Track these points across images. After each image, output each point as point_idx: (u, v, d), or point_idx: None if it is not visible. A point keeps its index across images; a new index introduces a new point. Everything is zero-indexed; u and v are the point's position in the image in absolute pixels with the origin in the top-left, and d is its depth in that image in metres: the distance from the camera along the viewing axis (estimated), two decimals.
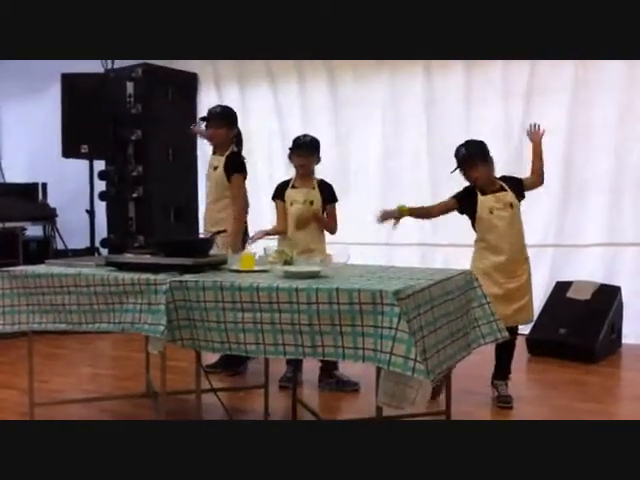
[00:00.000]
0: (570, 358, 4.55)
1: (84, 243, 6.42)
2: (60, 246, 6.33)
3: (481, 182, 3.64)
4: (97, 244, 6.50)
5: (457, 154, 3.68)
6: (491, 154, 3.66)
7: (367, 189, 6.02)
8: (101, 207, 6.59)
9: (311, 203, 3.96)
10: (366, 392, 3.82)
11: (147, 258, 2.99)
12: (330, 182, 4.09)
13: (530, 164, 3.77)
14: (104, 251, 6.47)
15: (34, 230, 6.33)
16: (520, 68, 5.45)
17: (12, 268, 3.18)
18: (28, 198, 6.25)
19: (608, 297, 4.84)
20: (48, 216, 6.26)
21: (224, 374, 4.19)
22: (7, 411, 3.57)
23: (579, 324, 4.69)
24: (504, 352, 3.67)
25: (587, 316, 4.73)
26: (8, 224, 5.81)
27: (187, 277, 2.65)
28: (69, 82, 6.22)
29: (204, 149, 6.30)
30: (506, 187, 3.63)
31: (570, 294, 4.92)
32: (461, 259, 3.87)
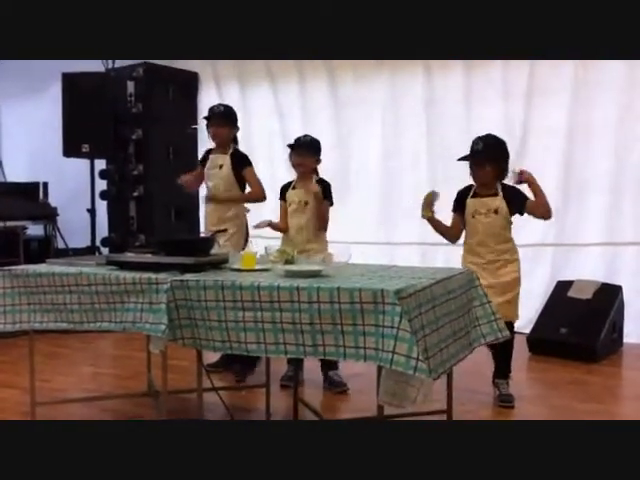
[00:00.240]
0: (571, 357, 4.55)
1: (85, 242, 6.42)
2: (61, 245, 6.35)
3: (480, 182, 3.65)
4: (98, 243, 6.50)
5: (472, 145, 3.67)
6: (507, 159, 3.66)
7: (367, 189, 6.03)
8: (102, 206, 6.60)
9: (305, 204, 3.97)
10: (367, 391, 3.82)
11: (148, 257, 2.99)
12: (330, 182, 4.08)
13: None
14: (105, 250, 6.47)
15: (35, 229, 6.33)
16: (520, 68, 5.44)
17: (13, 267, 3.18)
18: (29, 197, 6.26)
19: (609, 296, 4.84)
20: (49, 215, 6.26)
21: (246, 373, 4.13)
22: (8, 410, 3.57)
23: (580, 323, 4.69)
24: (502, 351, 3.66)
25: (588, 315, 4.73)
26: (9, 223, 5.81)
27: (188, 276, 2.65)
28: (70, 81, 6.22)
29: (205, 148, 6.29)
30: (499, 193, 3.61)
31: (571, 293, 4.92)
32: None
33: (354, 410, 3.70)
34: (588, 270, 5.18)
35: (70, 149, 6.23)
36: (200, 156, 4.48)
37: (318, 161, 4.06)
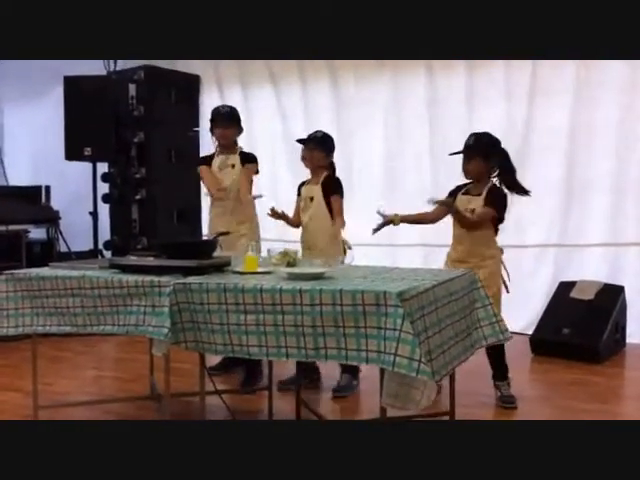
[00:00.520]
0: (574, 358, 4.55)
1: (87, 245, 6.42)
2: (63, 248, 6.34)
3: (468, 176, 3.68)
4: (100, 246, 6.50)
5: (466, 140, 3.71)
6: (499, 156, 3.66)
7: (370, 189, 6.02)
8: (104, 209, 6.61)
9: (311, 199, 3.98)
10: (370, 393, 3.82)
11: (150, 260, 2.99)
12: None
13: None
14: (107, 253, 6.47)
15: (37, 233, 6.33)
16: (522, 68, 5.44)
17: (16, 271, 3.18)
18: (31, 201, 6.25)
19: (612, 297, 4.83)
20: (51, 218, 6.26)
21: (254, 383, 4.06)
22: (11, 413, 3.57)
23: (583, 324, 4.69)
24: (494, 353, 3.64)
25: (591, 316, 4.72)
26: (11, 227, 5.81)
27: (190, 279, 2.66)
28: (72, 85, 6.23)
29: (207, 151, 6.30)
30: (484, 194, 3.61)
31: (573, 294, 4.92)
32: None
33: (357, 412, 3.70)
34: (590, 270, 5.18)
35: (72, 152, 6.24)
36: (198, 160, 4.44)
37: (329, 157, 4.04)
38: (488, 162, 3.64)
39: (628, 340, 4.96)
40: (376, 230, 3.62)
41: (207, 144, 6.12)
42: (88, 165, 6.43)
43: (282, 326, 2.40)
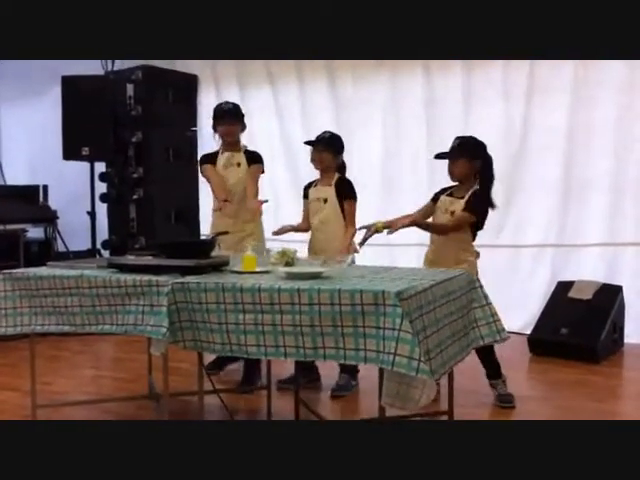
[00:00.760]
0: (572, 358, 4.55)
1: (85, 245, 6.42)
2: (61, 248, 6.34)
3: (455, 178, 3.67)
4: (98, 246, 6.50)
5: (452, 143, 3.72)
6: (482, 160, 3.63)
7: (368, 190, 6.00)
8: (102, 209, 6.59)
9: (324, 201, 3.93)
10: (369, 393, 3.82)
11: (149, 260, 2.99)
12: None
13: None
14: (105, 253, 6.46)
15: (35, 232, 6.33)
16: (520, 68, 5.44)
17: (14, 270, 3.17)
18: (29, 200, 6.25)
19: (610, 297, 4.83)
20: (49, 218, 6.26)
21: (253, 382, 4.06)
22: (9, 413, 3.57)
23: (581, 324, 4.69)
24: (482, 350, 3.57)
25: (589, 316, 4.73)
26: (9, 226, 5.80)
27: (189, 279, 2.65)
28: (69, 84, 6.22)
29: (205, 150, 6.30)
30: (466, 197, 3.60)
31: (572, 294, 4.92)
32: None
33: (355, 412, 3.70)
34: (588, 270, 5.19)
35: (70, 152, 6.23)
36: (200, 158, 4.40)
37: (338, 158, 4.01)
38: (473, 164, 3.63)
39: (626, 340, 4.97)
40: (362, 243, 3.55)
41: (206, 144, 6.13)
42: (86, 165, 6.43)
43: (280, 325, 2.40)
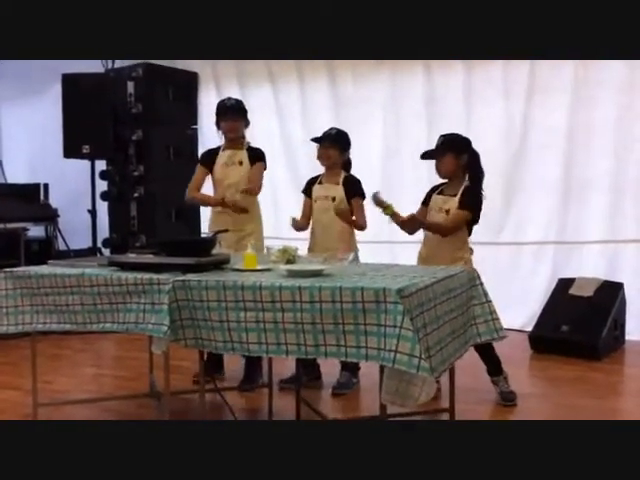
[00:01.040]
0: (573, 355, 4.56)
1: (86, 243, 6.42)
2: (62, 246, 6.35)
3: (441, 174, 3.67)
4: (99, 244, 6.50)
5: (437, 141, 3.71)
6: (468, 155, 3.63)
7: (368, 188, 6.00)
8: (103, 207, 6.60)
9: (333, 199, 3.89)
10: (370, 391, 3.83)
11: (150, 258, 2.99)
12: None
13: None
14: (106, 251, 6.47)
15: (36, 231, 6.33)
16: (520, 68, 5.44)
17: (15, 269, 3.18)
18: (30, 199, 6.26)
19: (611, 294, 4.84)
20: (50, 216, 6.27)
21: (254, 380, 4.04)
22: (10, 412, 3.57)
23: (582, 321, 4.70)
24: (481, 348, 3.56)
25: (590, 313, 4.73)
26: (10, 225, 5.81)
27: (190, 276, 2.66)
28: (70, 82, 6.22)
29: (205, 148, 6.30)
30: (458, 194, 3.59)
31: (573, 291, 4.92)
32: None
33: (357, 410, 3.71)
34: (589, 268, 5.19)
35: (70, 150, 6.23)
36: (200, 156, 4.39)
37: (344, 155, 3.99)
38: (459, 159, 3.62)
39: (627, 337, 4.97)
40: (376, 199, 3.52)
41: (207, 141, 6.15)
42: (86, 163, 6.43)
43: (282, 323, 2.41)
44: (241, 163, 4.06)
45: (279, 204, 6.10)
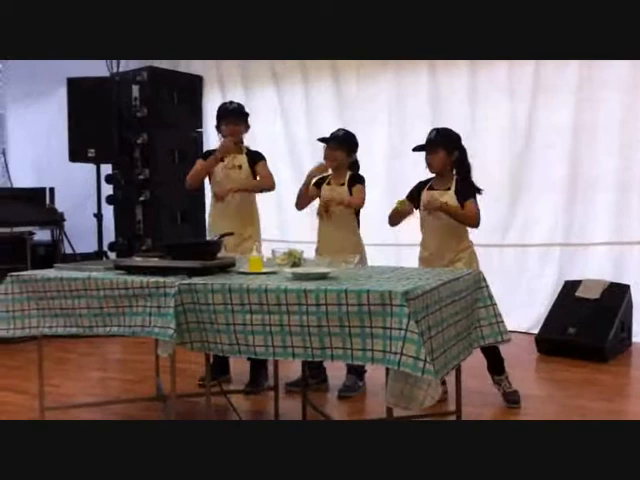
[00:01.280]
0: (580, 357, 4.54)
1: (92, 247, 6.43)
2: (68, 250, 6.35)
3: (432, 169, 3.66)
4: (105, 248, 6.51)
5: (427, 136, 3.70)
6: (459, 151, 3.63)
7: (373, 189, 5.98)
8: (108, 211, 6.61)
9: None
10: (376, 393, 3.82)
11: (155, 261, 3.00)
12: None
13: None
14: (112, 255, 6.48)
15: (42, 235, 6.34)
16: (525, 67, 5.43)
17: (21, 273, 3.18)
18: (36, 203, 6.26)
19: (617, 295, 4.82)
20: (56, 220, 6.27)
21: (260, 383, 4.04)
22: (18, 415, 3.57)
23: (588, 323, 4.68)
24: (487, 350, 3.54)
25: (596, 315, 4.71)
26: (16, 229, 5.82)
27: (195, 280, 2.66)
28: (75, 86, 6.24)
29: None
30: (453, 188, 3.59)
31: (579, 293, 4.91)
32: None
33: (363, 413, 3.70)
34: (596, 269, 5.18)
35: (76, 154, 6.25)
36: (202, 153, 4.39)
37: (351, 156, 3.98)
38: (451, 155, 3.62)
39: (634, 339, 4.96)
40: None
41: (211, 145, 6.14)
42: (92, 167, 6.44)
43: (288, 326, 2.40)
44: (240, 167, 4.08)
45: (283, 205, 6.09)
